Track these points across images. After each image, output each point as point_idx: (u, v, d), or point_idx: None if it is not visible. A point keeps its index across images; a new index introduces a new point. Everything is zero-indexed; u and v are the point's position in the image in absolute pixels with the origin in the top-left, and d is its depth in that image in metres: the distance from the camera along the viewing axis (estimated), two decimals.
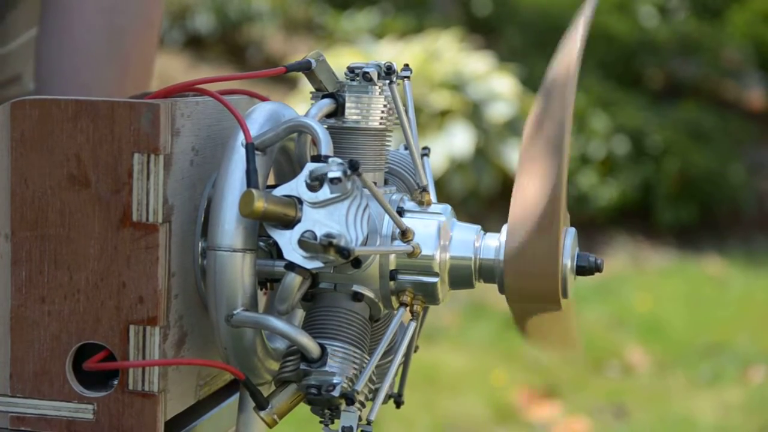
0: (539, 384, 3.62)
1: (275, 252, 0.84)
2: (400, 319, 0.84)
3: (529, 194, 0.80)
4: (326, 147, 0.80)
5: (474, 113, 5.12)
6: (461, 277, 0.85)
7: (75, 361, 0.82)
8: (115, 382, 0.81)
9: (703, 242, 5.48)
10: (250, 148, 0.80)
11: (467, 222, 0.86)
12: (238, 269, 0.80)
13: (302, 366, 0.81)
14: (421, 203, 0.85)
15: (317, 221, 0.78)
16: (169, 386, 0.82)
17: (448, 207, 0.86)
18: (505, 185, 5.09)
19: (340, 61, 4.62)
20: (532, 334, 0.88)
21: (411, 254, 0.82)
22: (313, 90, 0.86)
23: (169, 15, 6.18)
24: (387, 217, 0.82)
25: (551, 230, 0.79)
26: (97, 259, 0.80)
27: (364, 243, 0.80)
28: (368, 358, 0.83)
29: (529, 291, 0.82)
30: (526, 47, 6.36)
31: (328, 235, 0.77)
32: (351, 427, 0.80)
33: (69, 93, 1.11)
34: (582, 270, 0.84)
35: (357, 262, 0.82)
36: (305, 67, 0.84)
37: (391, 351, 0.88)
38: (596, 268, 0.85)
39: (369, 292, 0.84)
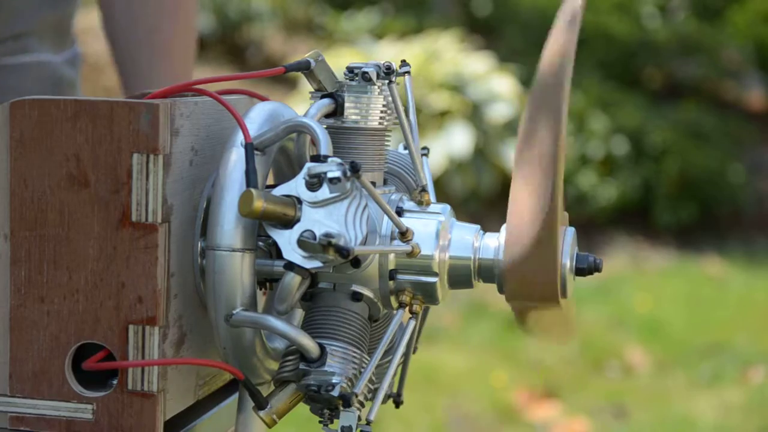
0: (539, 384, 3.62)
1: (274, 252, 0.84)
2: (399, 319, 0.84)
3: (524, 210, 0.79)
4: (325, 147, 0.80)
5: (474, 114, 5.12)
6: (460, 276, 0.85)
7: (74, 361, 0.82)
8: (115, 382, 0.81)
9: (703, 242, 5.47)
10: (250, 148, 0.80)
11: (467, 222, 0.86)
12: (238, 269, 0.80)
13: (301, 366, 0.81)
14: (420, 203, 0.85)
15: (316, 221, 0.78)
16: (169, 386, 0.82)
17: (447, 207, 0.86)
18: (505, 185, 5.08)
19: (339, 61, 4.62)
20: (531, 326, 0.88)
21: (410, 254, 0.82)
22: (313, 90, 0.86)
23: None
24: (386, 216, 0.83)
25: (549, 245, 0.79)
26: (96, 259, 0.80)
27: (363, 243, 0.80)
28: (367, 358, 0.83)
29: (529, 295, 0.83)
30: (526, 47, 6.36)
31: (328, 235, 0.77)
32: (350, 427, 0.80)
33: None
34: (581, 270, 0.84)
35: (356, 262, 0.82)
36: (304, 67, 0.84)
37: (390, 351, 0.88)
38: (595, 268, 0.85)
39: (368, 292, 0.84)
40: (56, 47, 1.33)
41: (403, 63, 0.88)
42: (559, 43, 0.79)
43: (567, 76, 0.78)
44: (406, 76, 0.88)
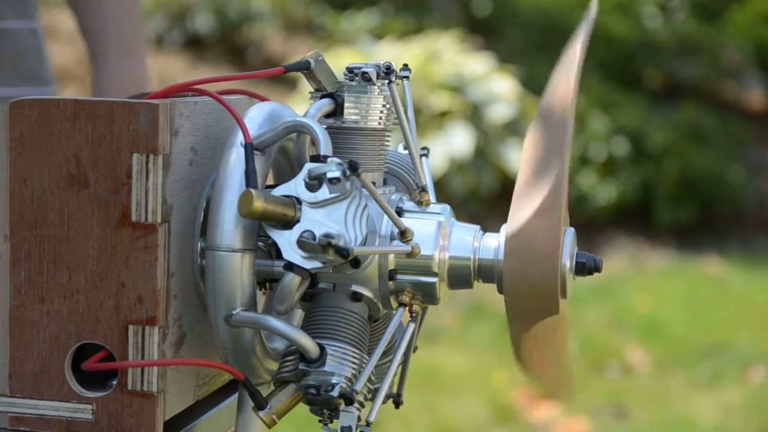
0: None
1: (274, 252, 0.84)
2: (399, 319, 0.84)
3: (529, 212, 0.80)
4: (325, 147, 0.80)
5: (474, 114, 5.12)
6: (460, 276, 0.85)
7: (74, 361, 0.82)
8: (114, 382, 0.81)
9: (703, 242, 5.47)
10: (249, 148, 0.80)
11: (467, 222, 0.86)
12: (237, 269, 0.80)
13: (301, 366, 0.81)
14: (420, 203, 0.85)
15: (316, 221, 0.78)
16: (168, 386, 0.82)
17: (447, 207, 0.86)
18: (505, 186, 5.09)
19: (339, 61, 4.62)
20: (530, 368, 0.87)
21: (410, 254, 0.82)
22: (313, 90, 0.86)
23: (169, 15, 6.18)
24: (386, 217, 0.82)
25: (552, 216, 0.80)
26: (96, 260, 0.80)
27: (363, 243, 0.80)
28: (367, 358, 0.83)
29: (527, 287, 0.82)
30: (526, 48, 6.36)
31: (327, 235, 0.77)
32: (350, 427, 0.80)
33: None
34: (581, 270, 0.84)
35: (356, 262, 0.82)
36: (304, 67, 0.84)
37: (390, 351, 0.88)
38: (595, 268, 0.85)
39: (368, 292, 0.84)
40: (19, 14, 1.36)
41: (404, 67, 0.88)
42: (562, 84, 0.80)
43: (572, 115, 0.79)
44: (405, 81, 0.88)
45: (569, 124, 0.79)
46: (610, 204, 5.45)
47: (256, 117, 0.83)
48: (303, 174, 0.79)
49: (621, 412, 3.49)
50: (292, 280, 0.79)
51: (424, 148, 0.92)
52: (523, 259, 0.81)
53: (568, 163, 0.80)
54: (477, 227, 0.86)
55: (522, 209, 0.80)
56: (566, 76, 0.81)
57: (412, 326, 0.85)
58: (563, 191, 0.80)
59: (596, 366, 3.83)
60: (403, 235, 0.82)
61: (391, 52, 5.30)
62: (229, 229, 0.80)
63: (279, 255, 0.81)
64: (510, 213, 0.81)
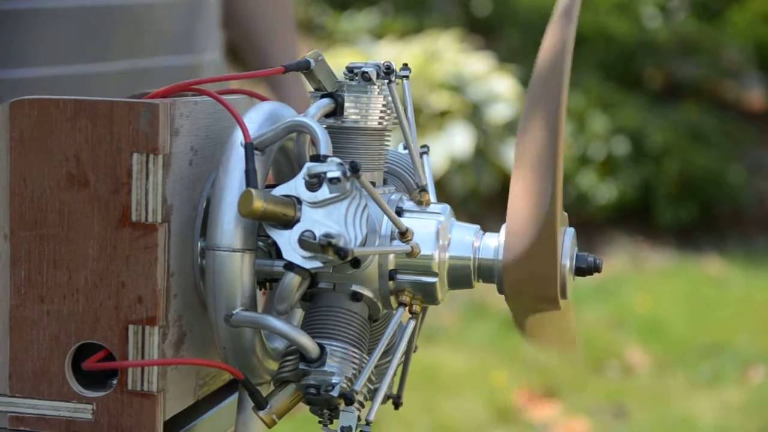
0: (539, 384, 3.62)
1: (274, 252, 0.84)
2: (399, 318, 0.84)
3: (523, 210, 0.79)
4: (325, 147, 0.80)
5: (474, 114, 5.12)
6: (460, 277, 0.85)
7: (74, 361, 0.82)
8: (114, 382, 0.81)
9: (703, 242, 5.48)
10: (249, 148, 0.80)
11: (467, 222, 0.86)
12: (237, 269, 0.80)
13: (301, 366, 0.81)
14: (420, 203, 0.85)
15: (316, 221, 0.78)
16: (168, 386, 0.82)
17: (447, 207, 0.86)
18: (505, 185, 5.09)
19: (339, 61, 4.62)
20: (531, 333, 0.87)
21: (410, 254, 0.82)
22: (312, 90, 0.86)
23: None
24: (386, 216, 0.82)
25: (549, 244, 0.79)
26: (96, 259, 0.80)
27: (363, 243, 0.80)
28: (367, 357, 0.83)
29: (528, 294, 0.82)
30: (526, 48, 6.36)
31: (327, 235, 0.77)
32: (350, 427, 0.80)
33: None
34: (581, 270, 0.84)
35: (356, 262, 0.82)
36: (304, 67, 0.84)
37: (390, 351, 0.88)
38: (595, 269, 0.85)
39: (368, 292, 0.84)
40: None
41: (404, 66, 0.88)
42: (555, 37, 0.78)
43: (565, 70, 0.77)
44: (405, 80, 0.88)
45: (562, 87, 0.76)
46: (610, 204, 5.45)
47: (256, 117, 0.83)
48: (303, 174, 0.79)
49: (621, 412, 3.49)
50: (292, 279, 0.79)
51: (424, 146, 0.92)
52: (523, 267, 0.80)
53: (562, 134, 0.78)
54: (477, 227, 0.86)
55: (519, 211, 0.80)
56: (560, 26, 0.78)
57: (412, 326, 0.85)
58: (558, 188, 0.79)
59: (596, 366, 3.83)
60: (403, 235, 0.82)
61: (391, 52, 5.30)
62: (229, 228, 0.80)
63: (279, 255, 0.81)
64: (508, 207, 0.81)
